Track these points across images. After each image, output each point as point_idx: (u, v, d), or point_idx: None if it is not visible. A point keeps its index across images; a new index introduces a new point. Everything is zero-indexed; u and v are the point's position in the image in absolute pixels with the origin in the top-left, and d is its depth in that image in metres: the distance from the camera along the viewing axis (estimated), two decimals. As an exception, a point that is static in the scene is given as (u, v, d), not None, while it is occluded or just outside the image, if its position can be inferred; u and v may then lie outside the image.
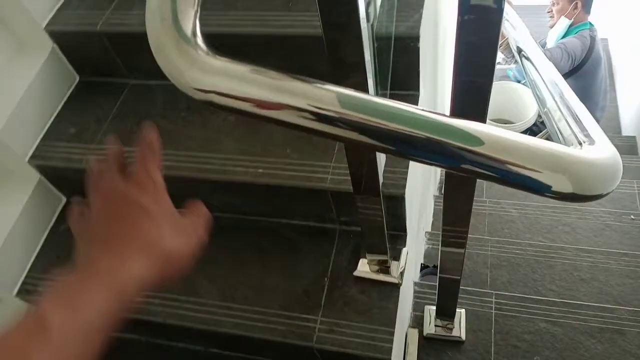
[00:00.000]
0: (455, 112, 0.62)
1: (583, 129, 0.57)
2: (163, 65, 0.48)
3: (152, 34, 0.48)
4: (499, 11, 0.48)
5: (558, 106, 0.67)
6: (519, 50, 1.06)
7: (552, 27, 2.97)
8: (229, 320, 1.06)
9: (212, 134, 1.18)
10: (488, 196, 2.12)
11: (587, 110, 0.62)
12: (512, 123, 2.98)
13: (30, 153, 1.22)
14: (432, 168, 1.87)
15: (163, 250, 0.45)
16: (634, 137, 3.22)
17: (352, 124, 0.46)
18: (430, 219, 2.01)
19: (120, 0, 1.29)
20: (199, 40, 0.47)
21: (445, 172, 0.77)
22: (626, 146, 3.09)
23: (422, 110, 0.46)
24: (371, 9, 0.89)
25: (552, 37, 2.95)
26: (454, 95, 0.60)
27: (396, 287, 1.05)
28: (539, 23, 3.42)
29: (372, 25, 0.70)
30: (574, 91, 0.71)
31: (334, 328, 1.02)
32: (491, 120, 2.93)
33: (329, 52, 0.61)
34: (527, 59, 0.97)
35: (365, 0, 0.56)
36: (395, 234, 1.12)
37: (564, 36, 2.89)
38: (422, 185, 1.60)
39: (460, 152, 0.44)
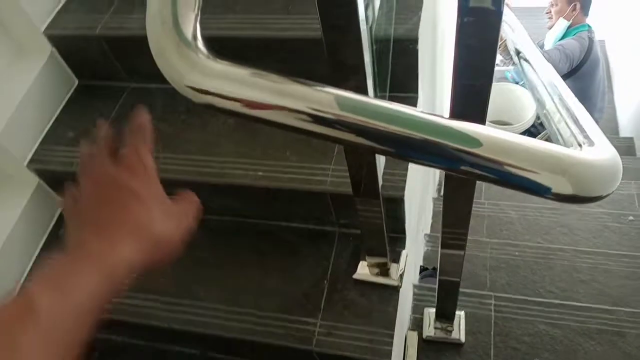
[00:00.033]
0: (455, 114, 0.62)
1: (582, 130, 0.57)
2: (163, 69, 0.48)
3: (152, 37, 0.48)
4: (499, 13, 0.48)
5: (557, 108, 0.67)
6: (518, 52, 1.06)
7: (550, 28, 2.98)
8: (228, 324, 1.06)
9: (212, 137, 1.18)
10: (487, 198, 2.12)
11: (586, 112, 0.62)
12: (510, 125, 2.98)
13: (29, 157, 1.22)
14: (431, 170, 1.87)
15: (153, 234, 0.45)
16: (631, 138, 3.23)
17: (351, 126, 0.46)
18: (429, 221, 2.01)
19: (119, 4, 1.29)
20: (200, 43, 0.47)
21: (445, 173, 0.77)
22: (624, 147, 3.10)
23: (421, 112, 0.46)
24: (370, 12, 0.90)
25: (550, 39, 2.96)
26: (454, 98, 0.60)
27: (396, 289, 1.05)
28: (537, 25, 3.44)
29: (371, 27, 0.70)
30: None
31: (334, 331, 1.02)
32: (489, 121, 2.93)
33: (328, 55, 0.61)
34: (526, 60, 0.98)
35: (364, 2, 0.57)
36: (394, 237, 1.12)
37: (562, 38, 2.90)
38: (421, 187, 1.60)
39: (459, 154, 0.44)
